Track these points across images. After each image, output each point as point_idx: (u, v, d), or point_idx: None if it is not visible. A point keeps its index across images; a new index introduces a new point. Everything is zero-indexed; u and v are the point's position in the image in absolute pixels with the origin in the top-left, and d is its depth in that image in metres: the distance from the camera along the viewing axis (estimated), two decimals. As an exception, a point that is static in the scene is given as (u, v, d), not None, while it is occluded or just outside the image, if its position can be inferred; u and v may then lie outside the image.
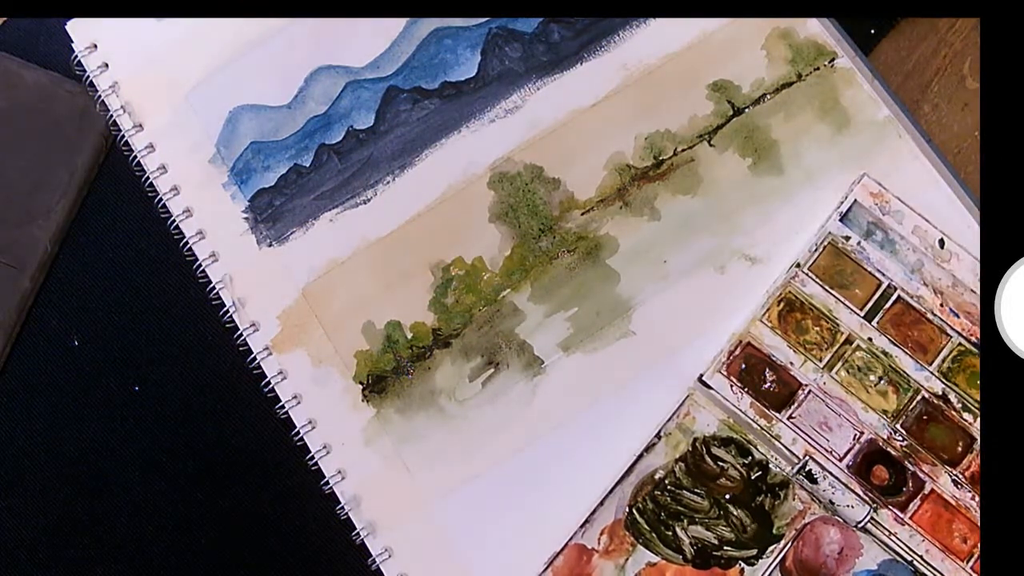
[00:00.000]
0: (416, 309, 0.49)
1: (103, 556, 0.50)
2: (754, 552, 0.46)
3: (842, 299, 0.47)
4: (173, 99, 0.51)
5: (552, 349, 0.49)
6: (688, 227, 0.49)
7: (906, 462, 0.46)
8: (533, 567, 0.46)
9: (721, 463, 0.47)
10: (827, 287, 0.47)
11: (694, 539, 0.46)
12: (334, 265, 0.50)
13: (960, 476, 0.46)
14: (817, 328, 0.47)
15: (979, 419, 0.46)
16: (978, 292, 0.46)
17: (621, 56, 0.50)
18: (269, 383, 0.49)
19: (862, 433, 0.46)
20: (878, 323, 0.47)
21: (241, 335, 0.49)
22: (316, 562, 0.50)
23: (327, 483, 0.48)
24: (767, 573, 0.46)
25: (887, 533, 0.46)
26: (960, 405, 0.46)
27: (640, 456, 0.47)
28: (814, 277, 0.47)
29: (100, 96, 0.51)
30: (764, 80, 0.49)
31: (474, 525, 0.48)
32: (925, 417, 0.46)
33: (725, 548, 0.46)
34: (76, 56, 0.52)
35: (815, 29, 0.50)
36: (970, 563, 0.45)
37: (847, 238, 0.48)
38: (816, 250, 0.48)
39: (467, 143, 0.50)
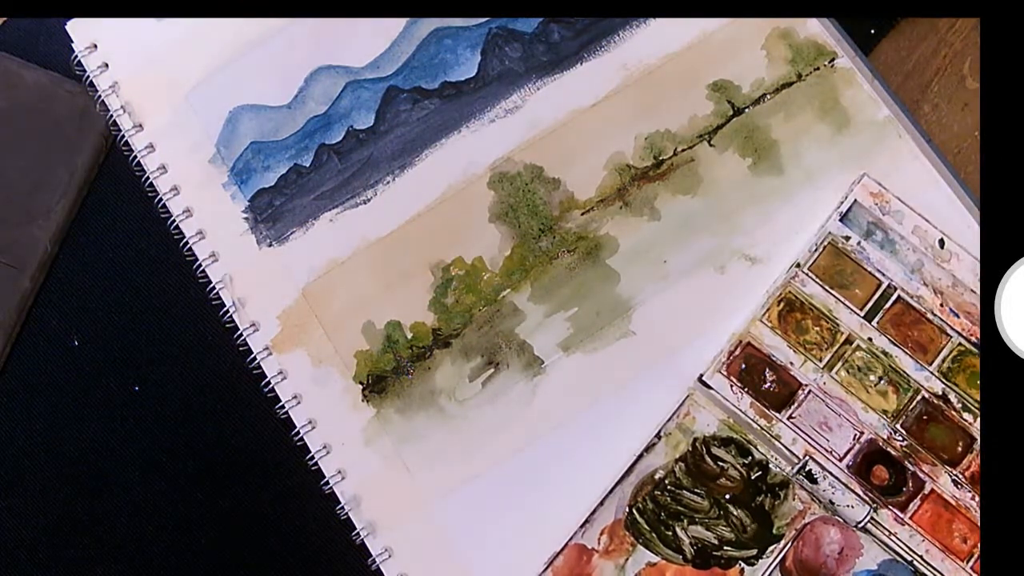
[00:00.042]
0: (416, 309, 0.49)
1: (103, 556, 0.50)
2: (754, 552, 0.46)
3: (842, 299, 0.47)
4: (173, 99, 0.51)
5: (552, 349, 0.49)
6: (688, 227, 0.49)
7: (906, 462, 0.46)
8: (533, 567, 0.46)
9: (721, 463, 0.47)
10: (827, 287, 0.47)
11: (694, 539, 0.46)
12: (334, 265, 0.50)
13: (960, 476, 0.46)
14: (817, 328, 0.47)
15: (979, 419, 0.46)
16: (978, 292, 0.46)
17: (621, 56, 0.50)
18: (269, 383, 0.49)
19: (862, 433, 0.46)
20: (878, 323, 0.47)
21: (241, 335, 0.49)
22: (316, 562, 0.50)
23: (327, 483, 0.48)
24: (767, 573, 0.46)
25: (887, 533, 0.46)
26: (960, 405, 0.46)
27: (640, 456, 0.47)
28: (814, 277, 0.47)
29: (100, 96, 0.51)
30: (764, 80, 0.49)
31: (474, 525, 0.47)
32: (925, 417, 0.46)
33: (725, 548, 0.46)
34: (76, 56, 0.52)
35: (815, 29, 0.50)
36: (970, 563, 0.45)
37: (847, 238, 0.47)
38: (816, 250, 0.48)
39: (467, 143, 0.50)
